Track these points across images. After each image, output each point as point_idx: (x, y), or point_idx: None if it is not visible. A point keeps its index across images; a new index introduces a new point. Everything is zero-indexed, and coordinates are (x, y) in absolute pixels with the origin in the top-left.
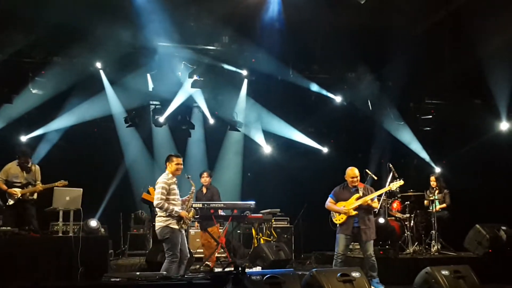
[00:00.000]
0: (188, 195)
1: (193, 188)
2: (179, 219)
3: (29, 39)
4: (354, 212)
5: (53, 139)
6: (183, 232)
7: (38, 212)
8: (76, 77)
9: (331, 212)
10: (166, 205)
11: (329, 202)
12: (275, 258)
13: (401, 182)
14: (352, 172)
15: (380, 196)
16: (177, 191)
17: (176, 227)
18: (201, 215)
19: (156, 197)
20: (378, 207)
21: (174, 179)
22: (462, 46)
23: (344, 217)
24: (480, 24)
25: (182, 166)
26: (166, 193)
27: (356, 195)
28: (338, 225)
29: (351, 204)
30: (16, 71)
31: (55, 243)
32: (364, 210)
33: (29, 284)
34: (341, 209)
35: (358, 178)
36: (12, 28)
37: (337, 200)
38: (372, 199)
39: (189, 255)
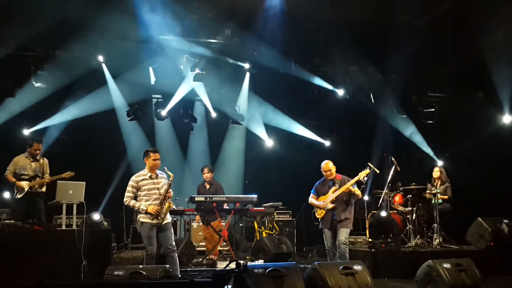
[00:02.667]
0: (165, 187)
1: (170, 179)
2: (152, 214)
3: (31, 32)
4: (331, 206)
5: (56, 132)
6: (166, 225)
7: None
8: (79, 71)
9: (314, 207)
10: (131, 202)
11: (311, 198)
12: (277, 251)
13: (367, 170)
14: (326, 166)
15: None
16: (153, 186)
17: (148, 221)
18: (204, 208)
19: (125, 195)
20: (359, 197)
21: (148, 174)
22: (465, 38)
23: (323, 211)
24: (483, 16)
25: (159, 161)
26: (135, 190)
27: (333, 188)
28: (319, 220)
29: (328, 198)
30: (18, 65)
31: (58, 236)
32: (342, 201)
33: (32, 282)
34: (320, 203)
35: (332, 171)
36: (14, 21)
37: (318, 195)
38: (350, 188)
39: (173, 248)
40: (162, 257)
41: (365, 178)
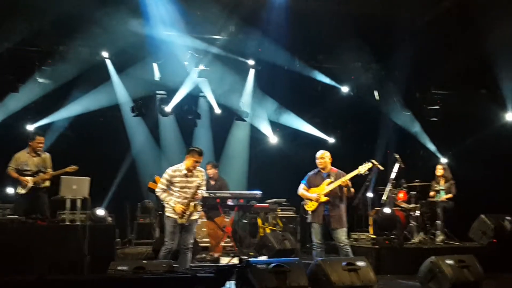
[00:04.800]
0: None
1: (200, 179)
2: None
3: (35, 28)
4: (325, 198)
5: (59, 128)
6: (190, 224)
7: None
8: (83, 66)
9: (303, 199)
10: (163, 195)
11: (302, 189)
12: (281, 247)
13: (370, 164)
14: (320, 154)
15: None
16: (185, 184)
17: (173, 216)
18: (207, 204)
19: (158, 185)
20: (351, 194)
21: (184, 171)
22: (469, 35)
23: (315, 204)
24: (487, 13)
25: (198, 164)
26: (168, 183)
27: (327, 181)
28: (310, 212)
29: (322, 190)
30: (22, 60)
31: (62, 231)
32: (336, 196)
33: (34, 276)
34: (312, 195)
35: (326, 160)
36: (17, 16)
37: (309, 186)
38: (345, 187)
39: (188, 246)
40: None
41: (366, 173)
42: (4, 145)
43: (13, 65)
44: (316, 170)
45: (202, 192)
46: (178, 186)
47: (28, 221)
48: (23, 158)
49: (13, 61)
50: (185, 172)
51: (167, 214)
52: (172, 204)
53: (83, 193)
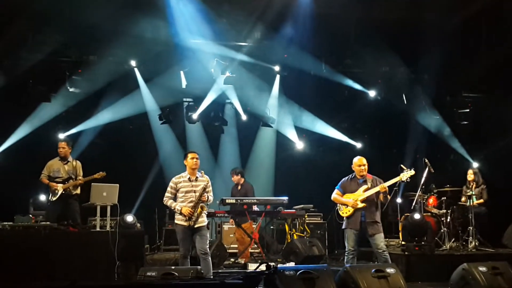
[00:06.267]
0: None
1: (206, 183)
2: (185, 215)
3: (65, 38)
4: (361, 205)
5: (90, 136)
6: (200, 228)
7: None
8: (112, 75)
9: (337, 205)
10: (169, 202)
11: (336, 194)
12: (309, 253)
13: (412, 172)
14: (360, 160)
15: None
16: (190, 189)
17: (181, 223)
18: (234, 210)
19: (165, 195)
20: (387, 201)
21: (188, 177)
22: (499, 36)
23: (351, 210)
24: None
25: (197, 160)
26: (174, 191)
27: (364, 187)
28: (345, 219)
29: (359, 196)
30: (53, 70)
31: (92, 237)
32: (372, 203)
33: (66, 282)
34: (349, 201)
35: (366, 167)
36: (48, 28)
37: (344, 192)
38: (383, 193)
39: (205, 251)
40: (194, 259)
41: (408, 180)
42: (37, 154)
43: (45, 76)
44: (351, 175)
45: (210, 198)
46: (183, 191)
47: (60, 228)
48: (56, 165)
49: (45, 71)
50: (189, 176)
51: (176, 221)
52: (178, 207)
53: (113, 200)
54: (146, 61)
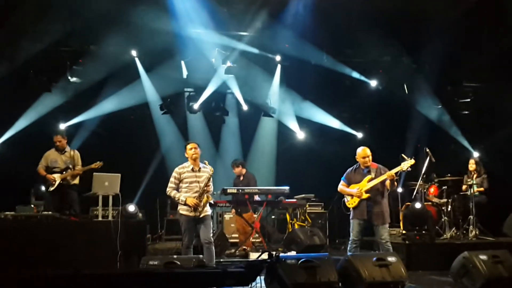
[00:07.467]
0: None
1: (210, 172)
2: (190, 206)
3: (66, 28)
4: (366, 195)
5: (91, 126)
6: (205, 218)
7: (79, 197)
8: (113, 65)
9: (344, 196)
10: (172, 192)
11: (341, 185)
12: (310, 243)
13: (412, 161)
14: (364, 152)
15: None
16: (194, 179)
17: (186, 213)
18: (236, 200)
19: (168, 185)
20: (395, 188)
21: (191, 167)
22: (501, 26)
23: (357, 200)
24: None
25: (196, 150)
26: (177, 181)
27: (368, 177)
28: (351, 209)
29: (363, 186)
30: (54, 60)
31: (95, 227)
32: (377, 192)
33: (69, 270)
34: (353, 191)
35: (370, 158)
36: (49, 17)
37: (349, 183)
38: (390, 180)
39: (209, 241)
40: (196, 249)
41: (409, 170)
42: (38, 144)
43: (46, 66)
44: (355, 166)
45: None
46: (187, 181)
47: (62, 217)
48: (52, 156)
49: (46, 61)
50: (192, 167)
51: (180, 211)
52: (183, 198)
53: (115, 190)
54: (147, 51)
